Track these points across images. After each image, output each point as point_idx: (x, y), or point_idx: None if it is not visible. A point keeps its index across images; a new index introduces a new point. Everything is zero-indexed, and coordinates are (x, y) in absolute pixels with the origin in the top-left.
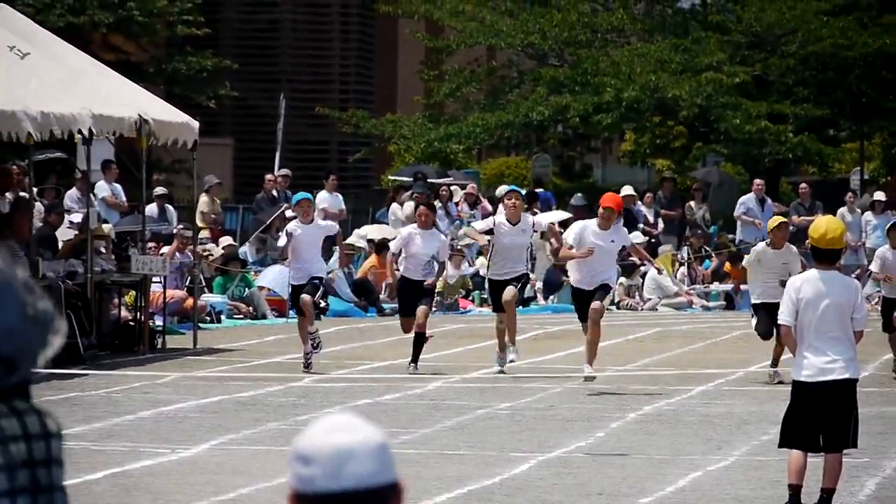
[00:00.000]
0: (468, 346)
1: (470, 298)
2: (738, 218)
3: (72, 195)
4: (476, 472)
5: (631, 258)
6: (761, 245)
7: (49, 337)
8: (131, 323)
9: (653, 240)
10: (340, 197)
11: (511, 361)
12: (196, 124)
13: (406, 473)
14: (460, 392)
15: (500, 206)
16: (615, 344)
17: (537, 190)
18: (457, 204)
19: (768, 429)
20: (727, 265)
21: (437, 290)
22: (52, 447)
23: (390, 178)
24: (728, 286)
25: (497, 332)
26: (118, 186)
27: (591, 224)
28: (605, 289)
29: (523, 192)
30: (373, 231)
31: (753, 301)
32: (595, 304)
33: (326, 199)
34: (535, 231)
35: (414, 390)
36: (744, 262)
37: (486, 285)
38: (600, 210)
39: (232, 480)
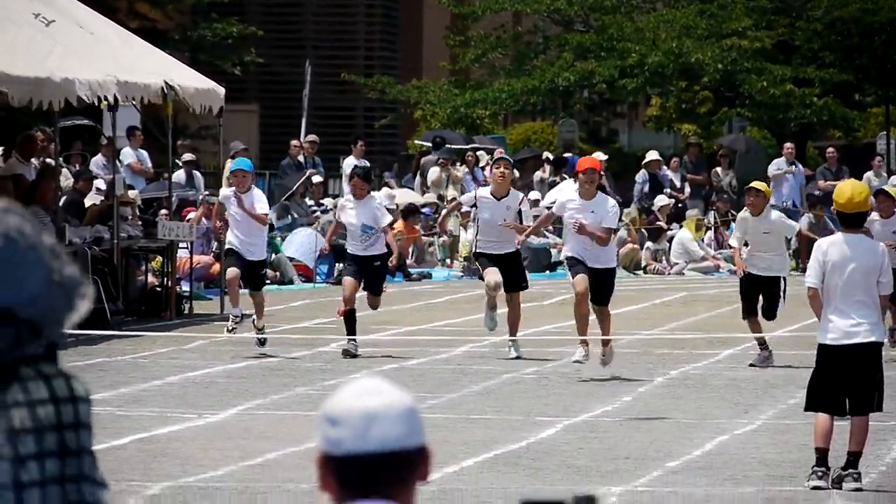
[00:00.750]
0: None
1: None
2: (771, 176)
3: (97, 162)
4: (503, 436)
5: (658, 222)
6: (743, 212)
7: (75, 302)
8: (158, 289)
9: (679, 204)
10: (368, 163)
11: (517, 357)
12: (222, 91)
13: (433, 438)
14: (487, 357)
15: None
16: (642, 308)
17: (566, 155)
18: (483, 169)
19: (795, 392)
20: None
21: (463, 256)
22: (80, 411)
23: (416, 143)
24: None
25: (488, 296)
26: (143, 153)
27: (572, 195)
28: (603, 285)
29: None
30: (398, 196)
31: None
32: (598, 309)
33: (354, 164)
34: (521, 210)
35: (440, 355)
36: (731, 240)
37: (474, 258)
38: (580, 176)
39: (259, 445)
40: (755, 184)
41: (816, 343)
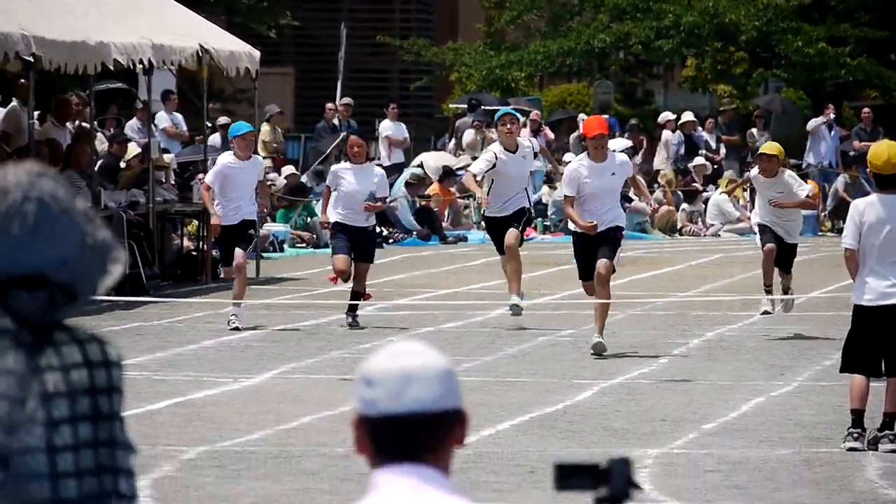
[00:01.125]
0: (530, 274)
1: (532, 226)
2: (810, 132)
3: (132, 126)
4: (539, 399)
5: (694, 183)
6: (754, 171)
7: (109, 266)
8: (193, 253)
9: (715, 166)
10: (404, 126)
11: (516, 311)
12: (257, 54)
13: (469, 401)
14: (522, 319)
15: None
16: (678, 270)
17: (602, 116)
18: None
19: (830, 354)
20: None
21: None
22: (113, 375)
23: (451, 106)
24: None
25: (506, 273)
26: (178, 116)
27: (582, 161)
28: (611, 243)
29: (520, 116)
30: (432, 159)
31: (758, 221)
32: (601, 263)
33: (390, 127)
34: (538, 155)
35: (476, 318)
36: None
37: (484, 224)
38: (588, 140)
39: (294, 409)
40: (766, 148)
41: (852, 304)
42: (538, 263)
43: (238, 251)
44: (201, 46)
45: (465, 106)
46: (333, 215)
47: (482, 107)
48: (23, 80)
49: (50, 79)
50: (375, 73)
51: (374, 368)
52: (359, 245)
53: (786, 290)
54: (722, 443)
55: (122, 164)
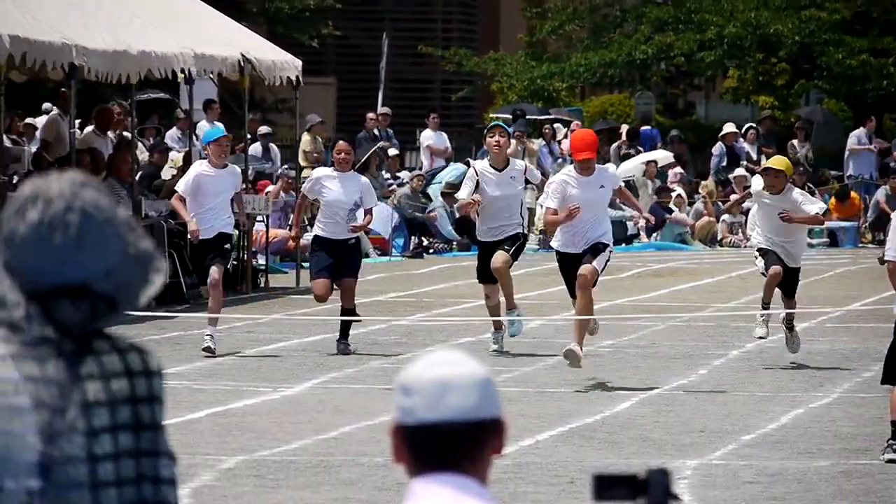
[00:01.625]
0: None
1: None
2: (851, 150)
3: (172, 135)
4: (578, 409)
5: (734, 195)
6: (757, 185)
7: (150, 276)
8: (234, 262)
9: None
10: (445, 135)
11: (513, 335)
12: (299, 63)
13: (508, 411)
14: (562, 330)
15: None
16: (718, 281)
17: (643, 128)
18: (559, 142)
19: (870, 365)
20: (832, 201)
21: (539, 229)
22: (154, 385)
23: (492, 116)
24: (832, 223)
25: (488, 310)
26: (220, 126)
27: (569, 173)
28: (595, 250)
29: (510, 128)
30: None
31: (758, 244)
32: (585, 268)
33: (431, 136)
34: (530, 183)
35: None
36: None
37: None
38: (574, 154)
39: (334, 419)
40: (773, 163)
41: (894, 316)
42: None
43: (213, 268)
44: (243, 56)
45: (506, 116)
46: (315, 229)
47: (526, 117)
48: (64, 90)
49: (92, 88)
50: (417, 83)
51: (412, 377)
52: (341, 260)
53: (790, 324)
54: (761, 454)
55: (174, 172)
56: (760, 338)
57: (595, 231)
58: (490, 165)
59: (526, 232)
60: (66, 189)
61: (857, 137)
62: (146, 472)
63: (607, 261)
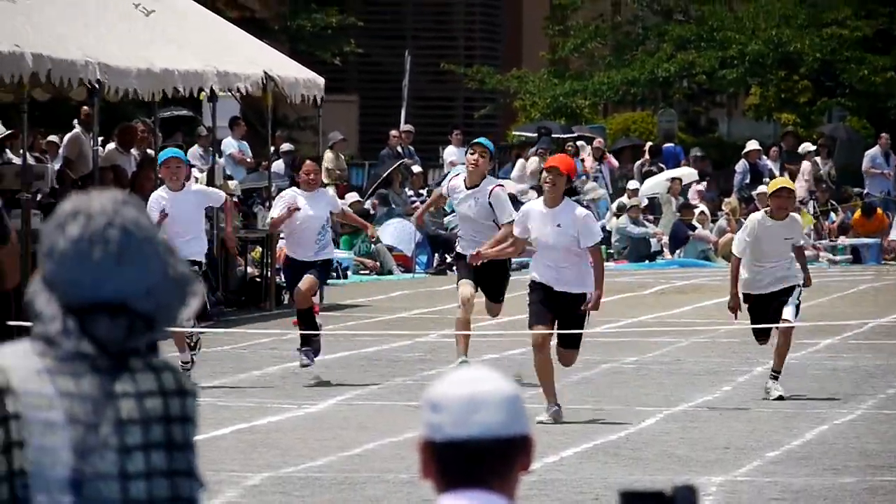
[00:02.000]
0: None
1: None
2: (865, 172)
3: (193, 153)
4: (602, 426)
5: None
6: (759, 214)
7: (187, 298)
8: (258, 279)
9: None
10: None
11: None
12: (321, 81)
13: (532, 428)
14: (586, 346)
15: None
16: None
17: (666, 145)
18: (583, 160)
19: (894, 382)
20: (857, 214)
21: None
22: (187, 405)
23: (514, 133)
24: (855, 240)
25: (458, 324)
26: (245, 143)
27: (536, 204)
28: (577, 326)
29: (490, 145)
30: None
31: (743, 291)
32: (564, 354)
33: (455, 152)
34: (491, 203)
35: None
36: (734, 248)
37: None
38: (542, 175)
39: (358, 436)
40: (787, 182)
41: None
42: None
43: None
44: (266, 73)
45: (530, 134)
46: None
47: (551, 134)
48: (85, 108)
49: (114, 105)
50: (439, 101)
51: (440, 393)
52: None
53: (776, 374)
54: (786, 471)
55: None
56: (780, 397)
57: (567, 272)
58: (463, 182)
59: (508, 269)
60: (107, 206)
61: (871, 158)
62: (177, 493)
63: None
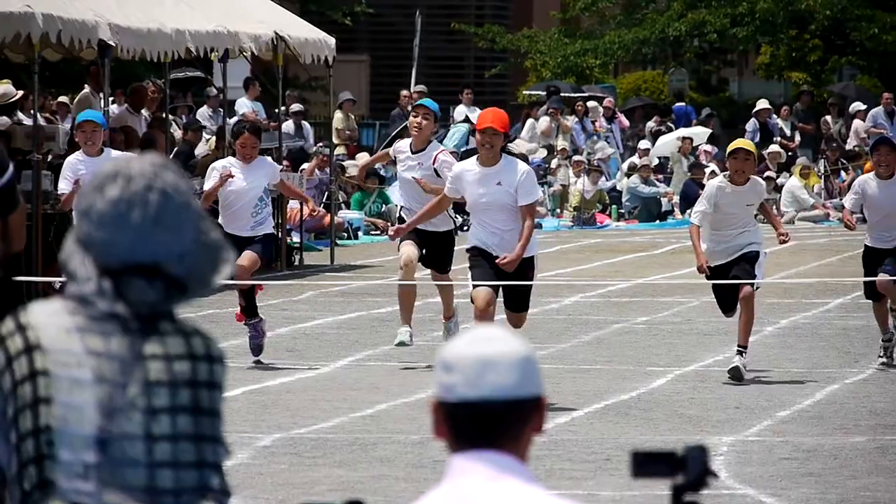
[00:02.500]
0: (605, 261)
1: (607, 213)
2: (867, 132)
3: (202, 113)
4: (613, 386)
5: (768, 171)
6: (718, 180)
7: (219, 265)
8: None
9: (790, 153)
10: (479, 110)
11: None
12: (332, 41)
13: (544, 389)
14: (597, 307)
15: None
16: None
17: (678, 104)
18: (594, 121)
19: None
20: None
21: (574, 206)
22: (215, 371)
23: (525, 93)
24: None
25: (401, 296)
26: (259, 104)
27: (469, 164)
28: (524, 292)
29: (435, 106)
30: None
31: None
32: (512, 317)
33: (465, 112)
34: (436, 168)
35: (551, 305)
36: (693, 217)
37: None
38: (476, 134)
39: (369, 396)
40: (742, 143)
41: None
42: (612, 250)
43: None
44: (276, 34)
45: (540, 93)
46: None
47: (560, 94)
48: (94, 67)
49: (125, 66)
50: (450, 61)
51: (453, 354)
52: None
53: (742, 347)
54: (796, 430)
55: (208, 151)
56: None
57: (509, 234)
58: (409, 146)
59: (455, 225)
60: (147, 169)
61: (872, 118)
62: (201, 458)
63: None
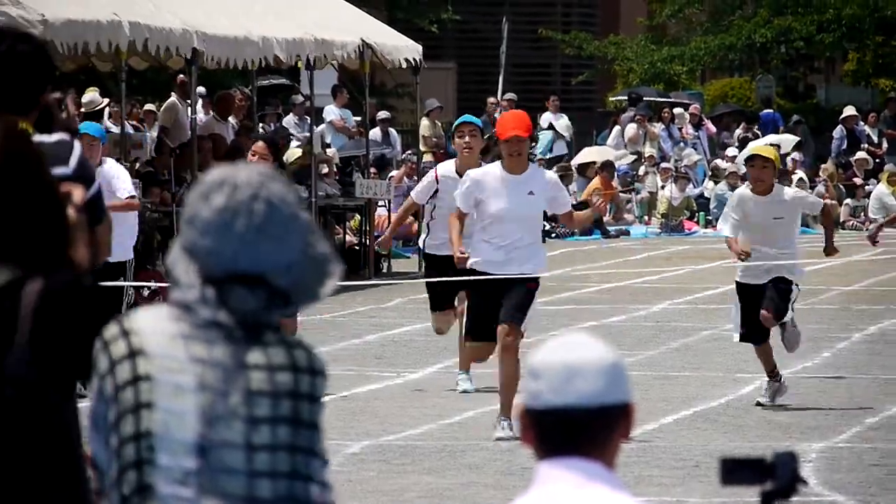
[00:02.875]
0: (693, 267)
1: (695, 220)
2: None
3: (288, 121)
4: (702, 393)
5: (855, 178)
6: (744, 188)
7: (326, 279)
8: (356, 247)
9: (877, 160)
10: (565, 116)
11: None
12: (418, 48)
13: (632, 395)
14: (685, 313)
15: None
16: (841, 264)
17: (765, 111)
18: (680, 128)
19: None
20: None
21: (661, 213)
22: (317, 384)
23: (611, 99)
24: None
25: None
26: (347, 111)
27: (492, 171)
28: (522, 300)
29: (478, 121)
30: (592, 154)
31: (737, 279)
32: (503, 329)
33: (549, 119)
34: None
35: (639, 312)
36: (725, 230)
37: (421, 258)
38: (501, 144)
39: (457, 403)
40: (761, 150)
41: None
42: (700, 257)
43: None
44: (363, 41)
45: (623, 98)
46: None
47: (643, 100)
48: (181, 76)
49: (212, 74)
50: (537, 68)
51: (540, 361)
52: None
53: (772, 372)
54: (885, 437)
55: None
56: (759, 404)
57: (521, 251)
58: (455, 171)
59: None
60: (254, 178)
61: None
62: (300, 470)
63: (532, 309)
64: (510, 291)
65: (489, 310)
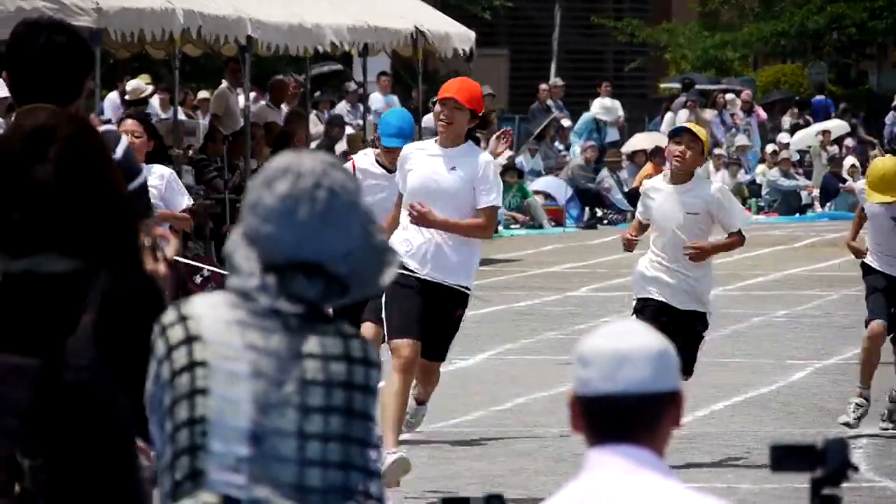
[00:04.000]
0: (745, 254)
1: (746, 206)
2: None
3: (341, 109)
4: (753, 379)
5: None
6: (860, 184)
7: (383, 268)
8: None
9: None
10: (618, 103)
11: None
12: (472, 35)
13: (682, 381)
14: (737, 300)
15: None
16: None
17: (817, 97)
18: (732, 115)
19: None
20: None
21: None
22: (371, 375)
23: (663, 86)
24: None
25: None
26: (394, 98)
27: (426, 142)
28: (454, 305)
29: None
30: (643, 140)
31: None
32: (426, 366)
33: (598, 103)
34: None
35: None
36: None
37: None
38: (435, 107)
39: (509, 390)
40: (689, 125)
41: None
42: (753, 244)
43: None
44: (416, 28)
45: (676, 85)
46: None
47: (695, 86)
48: (232, 63)
49: (265, 61)
50: (589, 55)
51: (589, 348)
52: None
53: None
54: None
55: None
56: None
57: (442, 251)
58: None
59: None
60: (317, 166)
61: None
62: (354, 461)
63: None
64: (433, 317)
65: (414, 299)
